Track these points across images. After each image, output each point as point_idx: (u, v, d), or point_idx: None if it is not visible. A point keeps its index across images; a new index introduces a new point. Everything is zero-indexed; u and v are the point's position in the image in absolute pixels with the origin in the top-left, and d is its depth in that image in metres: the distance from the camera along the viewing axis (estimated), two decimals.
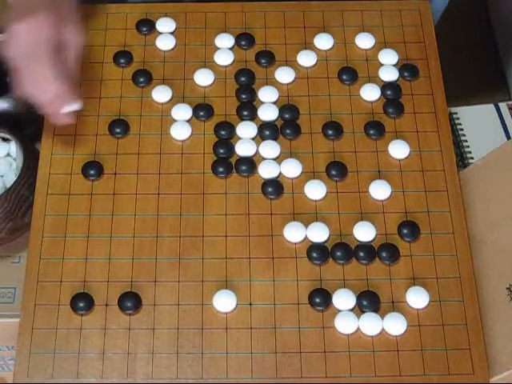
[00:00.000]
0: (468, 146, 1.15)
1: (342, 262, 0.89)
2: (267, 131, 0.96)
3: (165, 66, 1.01)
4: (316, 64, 1.01)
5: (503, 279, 0.87)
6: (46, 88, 0.86)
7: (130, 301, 0.86)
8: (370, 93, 0.99)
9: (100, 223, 0.91)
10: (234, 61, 1.01)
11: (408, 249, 0.90)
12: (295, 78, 1.00)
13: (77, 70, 0.92)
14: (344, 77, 1.00)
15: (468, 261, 0.89)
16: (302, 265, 0.89)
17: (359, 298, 0.87)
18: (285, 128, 0.96)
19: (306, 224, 0.90)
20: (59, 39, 0.87)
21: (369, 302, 0.86)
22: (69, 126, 0.96)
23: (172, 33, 1.03)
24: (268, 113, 0.97)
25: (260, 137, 0.96)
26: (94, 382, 0.83)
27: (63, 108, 0.87)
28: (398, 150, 0.95)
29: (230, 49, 1.02)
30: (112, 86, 1.00)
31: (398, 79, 1.00)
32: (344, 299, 0.86)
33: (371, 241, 0.90)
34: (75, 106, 0.88)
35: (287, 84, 1.00)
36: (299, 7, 1.05)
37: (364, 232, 0.90)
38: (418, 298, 0.87)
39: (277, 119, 0.97)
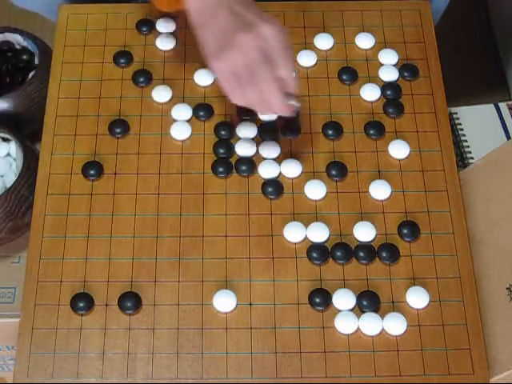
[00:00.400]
0: (468, 146, 1.15)
1: (342, 262, 0.89)
2: (267, 131, 0.96)
3: (165, 66, 1.01)
4: (316, 64, 1.01)
5: (503, 279, 0.87)
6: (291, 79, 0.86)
7: (130, 301, 0.86)
8: (370, 93, 0.99)
9: (100, 223, 0.91)
10: None
11: (408, 249, 0.90)
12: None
13: None
14: (344, 77, 1.00)
15: (468, 261, 0.89)
16: (302, 265, 0.89)
17: (359, 297, 0.87)
18: (285, 128, 0.96)
19: (306, 224, 0.90)
20: None
21: (369, 301, 0.86)
22: (69, 126, 0.96)
23: (172, 33, 1.03)
24: None
25: (260, 137, 0.96)
26: (94, 381, 0.83)
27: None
28: (398, 149, 0.95)
29: None
30: (112, 85, 1.00)
31: (398, 79, 1.00)
32: (344, 299, 0.86)
33: (371, 241, 0.90)
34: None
35: None
36: (299, 7, 1.05)
37: (364, 232, 0.90)
38: (418, 298, 0.87)
39: (277, 119, 0.97)
